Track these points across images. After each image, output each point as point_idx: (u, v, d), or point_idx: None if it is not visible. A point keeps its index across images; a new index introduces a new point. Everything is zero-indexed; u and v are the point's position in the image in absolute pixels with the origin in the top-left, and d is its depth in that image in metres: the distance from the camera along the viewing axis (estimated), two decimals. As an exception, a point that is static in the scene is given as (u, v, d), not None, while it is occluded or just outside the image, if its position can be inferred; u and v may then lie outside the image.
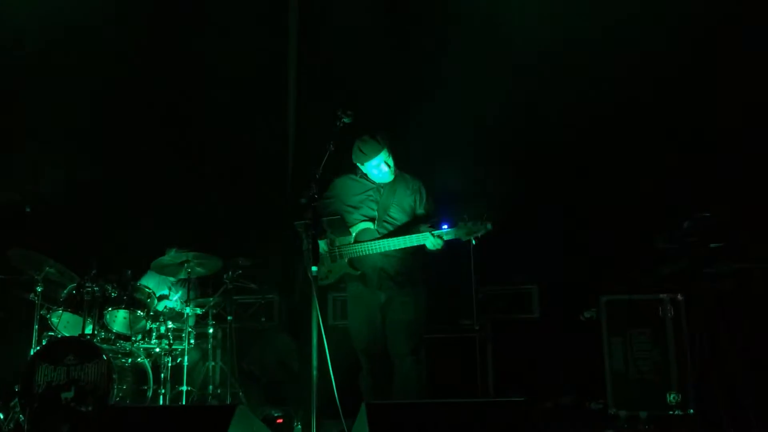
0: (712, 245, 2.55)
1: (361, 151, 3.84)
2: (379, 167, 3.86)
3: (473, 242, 3.65)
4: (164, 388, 4.53)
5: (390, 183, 3.92)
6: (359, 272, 3.83)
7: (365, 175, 3.95)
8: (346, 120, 3.48)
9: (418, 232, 3.69)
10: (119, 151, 5.82)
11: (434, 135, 5.34)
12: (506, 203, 5.31)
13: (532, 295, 5.34)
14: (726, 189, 4.15)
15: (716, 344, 3.65)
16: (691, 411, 4.60)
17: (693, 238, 2.65)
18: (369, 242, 3.77)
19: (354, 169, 3.98)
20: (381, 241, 3.75)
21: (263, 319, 5.46)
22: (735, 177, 4.51)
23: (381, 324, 3.85)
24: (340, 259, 3.86)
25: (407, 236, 3.70)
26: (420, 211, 3.97)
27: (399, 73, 5.51)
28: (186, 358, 4.67)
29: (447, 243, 3.69)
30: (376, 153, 3.82)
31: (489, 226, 3.51)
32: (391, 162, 3.88)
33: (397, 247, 3.71)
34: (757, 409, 2.67)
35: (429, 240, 3.62)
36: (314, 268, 3.20)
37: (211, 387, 4.80)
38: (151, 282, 5.01)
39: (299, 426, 4.03)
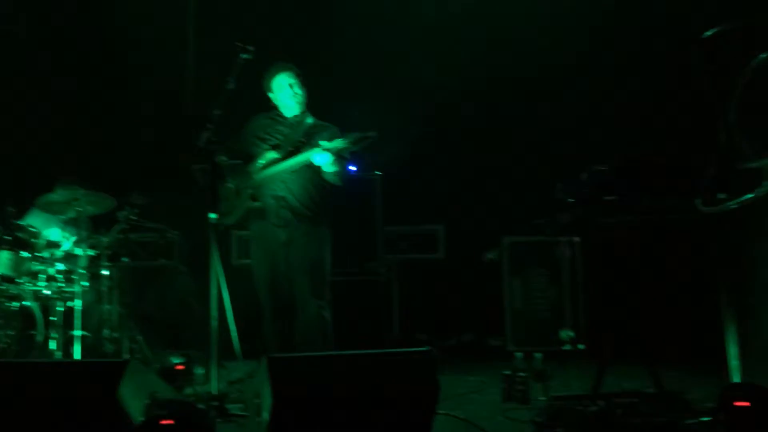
0: (606, 197, 2.61)
1: (269, 72, 3.78)
2: (286, 88, 3.75)
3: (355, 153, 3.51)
4: (56, 332, 4.32)
5: (301, 119, 3.80)
6: (260, 204, 3.71)
7: (280, 113, 3.84)
8: (245, 56, 3.29)
9: None
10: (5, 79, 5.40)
11: (340, 75, 5.24)
12: (415, 145, 5.33)
13: (438, 235, 5.40)
14: (623, 147, 4.45)
15: (607, 286, 3.86)
16: (581, 347, 4.89)
17: (590, 190, 2.71)
18: (267, 168, 3.67)
19: (270, 110, 3.87)
20: (278, 165, 3.64)
21: (162, 260, 5.25)
22: (632, 137, 4.81)
23: (284, 265, 3.71)
24: (243, 192, 3.75)
25: (298, 155, 3.60)
26: None
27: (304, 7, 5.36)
28: (78, 300, 4.44)
29: (351, 183, 3.64)
30: (283, 70, 3.76)
31: (373, 133, 3.42)
32: (300, 91, 3.77)
33: (290, 167, 3.60)
34: (640, 346, 2.86)
35: (317, 154, 3.48)
36: (212, 215, 3.06)
37: (107, 331, 4.61)
38: (36, 221, 4.69)
39: (201, 371, 3.96)
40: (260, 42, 3.41)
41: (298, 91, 3.79)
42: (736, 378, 2.29)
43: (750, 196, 2.21)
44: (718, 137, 2.33)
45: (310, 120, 3.83)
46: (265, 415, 2.37)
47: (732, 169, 2.36)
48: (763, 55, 2.30)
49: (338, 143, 3.45)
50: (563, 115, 5.34)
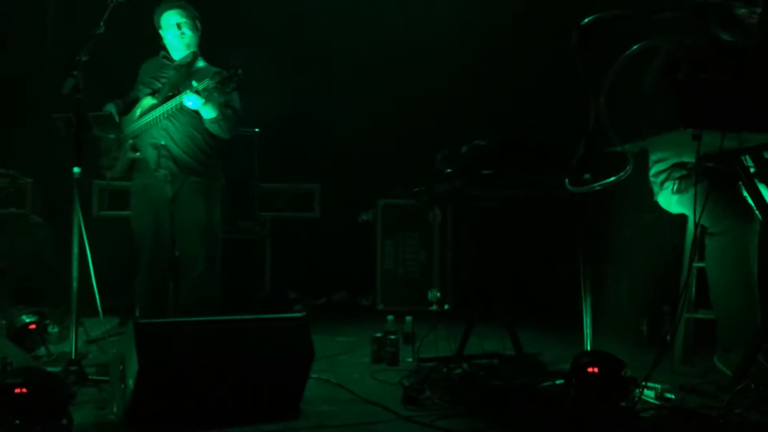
0: (484, 171, 2.70)
1: (158, 8, 3.50)
2: (173, 28, 3.48)
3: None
4: None
5: (190, 62, 3.52)
6: (141, 155, 3.45)
7: (168, 55, 3.56)
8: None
9: None
10: None
11: (227, 21, 5.00)
12: (295, 103, 5.22)
13: (314, 194, 5.37)
14: (503, 124, 4.64)
15: (476, 252, 4.03)
16: (447, 306, 5.12)
17: (469, 162, 2.79)
18: (144, 116, 3.42)
19: (159, 51, 3.60)
20: (152, 111, 3.39)
21: (12, 208, 4.81)
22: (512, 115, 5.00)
23: (168, 221, 3.46)
24: (124, 143, 3.48)
25: (170, 100, 3.36)
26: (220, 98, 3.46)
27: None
28: None
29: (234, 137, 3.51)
30: (172, 8, 3.48)
31: (240, 70, 3.29)
32: (189, 32, 3.50)
33: (164, 112, 3.35)
34: (502, 309, 3.03)
35: (187, 96, 3.26)
36: (76, 169, 2.82)
37: (-52, 284, 4.21)
38: None
39: (56, 329, 3.70)
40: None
41: (187, 32, 3.49)
42: (588, 346, 2.48)
43: (613, 179, 2.36)
44: (588, 121, 2.45)
45: (201, 64, 3.54)
46: (130, 383, 2.26)
47: (599, 151, 2.51)
48: (635, 47, 2.44)
49: (205, 83, 3.25)
50: (445, 89, 5.45)
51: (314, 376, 2.74)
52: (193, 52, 3.56)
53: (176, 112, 3.39)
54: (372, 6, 5.44)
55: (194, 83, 3.27)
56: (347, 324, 4.56)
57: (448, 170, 3.01)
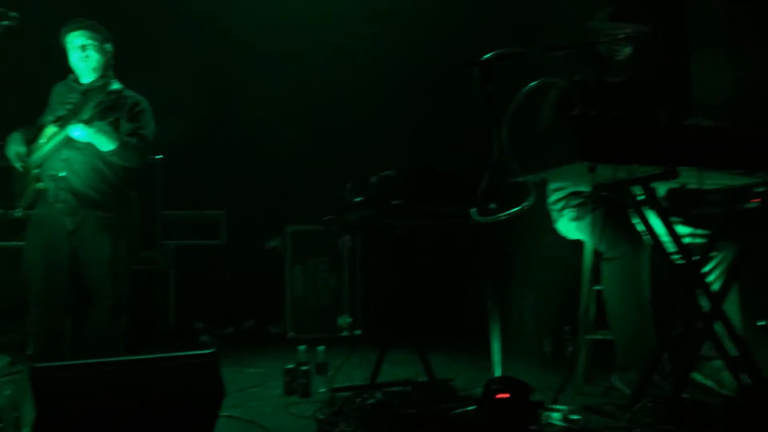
0: (393, 201, 2.75)
1: (62, 30, 3.32)
2: (77, 50, 3.28)
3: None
4: None
5: (100, 87, 3.29)
6: (42, 185, 3.23)
7: (76, 79, 3.37)
8: (5, 23, 2.82)
9: None
10: None
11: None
12: (199, 127, 5.11)
13: (220, 221, 5.26)
14: (412, 156, 4.76)
15: (387, 279, 4.07)
16: (358, 332, 5.13)
17: (378, 192, 2.83)
18: (45, 144, 3.23)
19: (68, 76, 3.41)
20: (51, 141, 3.20)
21: None
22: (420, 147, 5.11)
23: (66, 257, 3.24)
24: (30, 172, 3.26)
25: (64, 129, 3.18)
26: (126, 126, 3.31)
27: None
28: None
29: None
30: (75, 29, 3.29)
31: (124, 96, 3.17)
32: (96, 56, 3.30)
33: (54, 143, 3.18)
34: (413, 334, 3.07)
35: (72, 126, 3.10)
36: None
37: None
38: None
39: None
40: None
41: (92, 54, 3.29)
42: (498, 371, 2.55)
43: (517, 209, 2.46)
44: (491, 153, 2.54)
45: (115, 86, 3.29)
46: (26, 431, 2.12)
47: (503, 182, 2.61)
48: (533, 83, 2.57)
49: (89, 112, 3.11)
50: (354, 118, 5.52)
51: (224, 414, 2.67)
52: (103, 76, 3.35)
53: (75, 141, 3.22)
54: (279, 32, 5.43)
55: (83, 113, 3.13)
56: (257, 354, 4.46)
57: (357, 199, 3.04)
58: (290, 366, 3.32)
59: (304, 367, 3.30)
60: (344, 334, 5.04)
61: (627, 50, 3.13)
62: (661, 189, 2.89)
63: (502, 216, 2.52)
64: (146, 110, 3.43)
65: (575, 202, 3.10)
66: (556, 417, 2.44)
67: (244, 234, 5.31)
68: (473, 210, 2.55)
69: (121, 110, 3.32)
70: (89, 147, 3.24)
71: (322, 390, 3.25)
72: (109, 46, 3.40)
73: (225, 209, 5.27)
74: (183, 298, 5.13)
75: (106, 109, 3.22)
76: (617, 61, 3.15)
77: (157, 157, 4.60)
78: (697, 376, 2.79)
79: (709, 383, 2.79)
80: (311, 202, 4.93)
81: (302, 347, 3.39)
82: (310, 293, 5.20)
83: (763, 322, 3.03)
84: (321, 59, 5.46)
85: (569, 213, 3.12)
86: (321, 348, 3.41)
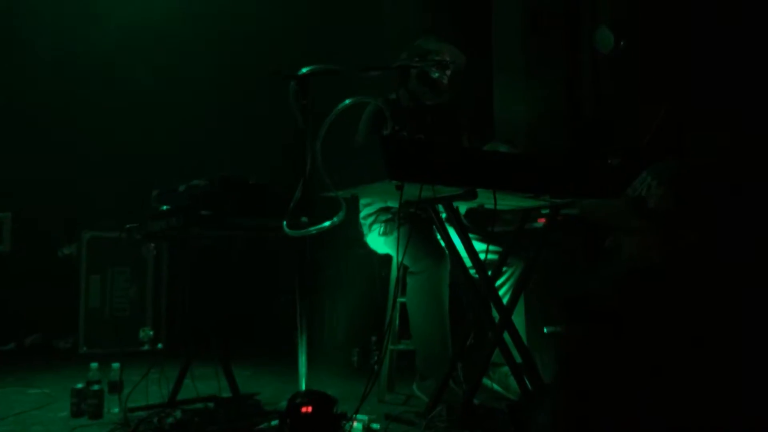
0: (202, 211, 2.65)
1: None
2: None
3: None
4: None
5: None
6: None
7: None
8: None
9: None
10: None
11: None
12: None
13: (3, 224, 4.71)
14: (222, 166, 4.66)
15: (191, 290, 3.91)
16: (160, 345, 4.86)
17: (186, 201, 2.72)
18: None
19: None
20: None
21: None
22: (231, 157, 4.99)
23: None
24: None
25: None
26: None
27: None
28: None
29: None
30: None
31: None
32: None
33: None
34: (218, 348, 2.97)
35: None
36: None
37: None
38: None
39: None
40: None
41: None
42: (303, 384, 2.55)
43: (327, 223, 2.48)
44: (304, 167, 2.55)
45: None
46: None
47: (315, 196, 2.62)
48: (347, 101, 2.62)
49: None
50: (163, 121, 5.25)
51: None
52: None
53: None
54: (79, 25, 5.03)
55: None
56: (42, 372, 4.04)
57: (164, 207, 2.89)
58: (80, 386, 3.05)
59: (96, 386, 3.04)
60: (145, 348, 4.74)
61: (448, 74, 3.30)
62: (462, 208, 3.09)
63: (313, 230, 2.53)
64: None
65: (384, 217, 3.20)
66: (357, 427, 2.49)
67: (33, 239, 4.80)
68: (284, 222, 2.54)
69: None
70: None
71: (116, 410, 3.02)
72: None
73: (10, 211, 4.72)
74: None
75: None
76: (440, 84, 3.28)
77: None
78: (488, 382, 3.02)
79: (498, 388, 3.03)
80: (111, 207, 4.61)
81: (94, 364, 3.12)
82: (107, 304, 4.83)
83: (551, 329, 3.34)
84: (134, 58, 5.14)
85: (378, 228, 3.22)
86: (116, 365, 3.16)
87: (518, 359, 2.70)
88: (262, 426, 2.65)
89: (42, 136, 4.98)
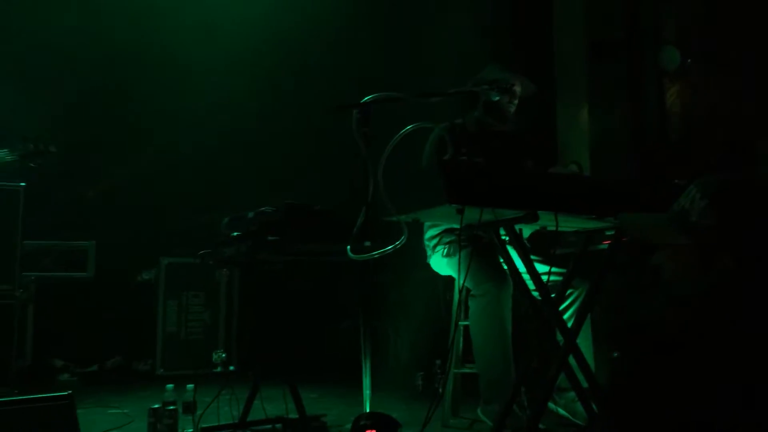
0: (270, 237, 2.75)
1: None
2: None
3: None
4: None
5: None
6: None
7: None
8: None
9: None
10: None
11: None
12: (71, 157, 4.86)
13: (88, 252, 4.99)
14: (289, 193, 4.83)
15: (261, 314, 4.03)
16: (232, 368, 5.00)
17: (255, 227, 2.83)
18: None
19: None
20: None
21: None
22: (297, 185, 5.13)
23: None
24: None
25: None
26: None
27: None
28: None
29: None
30: None
31: (53, 148, 3.01)
32: None
33: None
34: (285, 371, 3.06)
35: None
36: None
37: None
38: None
39: None
40: None
41: None
42: (367, 406, 2.58)
43: (390, 248, 2.54)
44: (367, 192, 2.62)
45: None
46: None
47: (378, 221, 2.68)
48: (410, 126, 2.68)
49: (6, 156, 2.95)
50: (230, 148, 5.45)
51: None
52: None
53: None
54: (155, 59, 5.31)
55: None
56: (122, 394, 4.23)
57: (235, 234, 3.02)
58: (156, 406, 3.18)
59: (171, 407, 3.16)
60: (218, 370, 4.90)
61: (515, 102, 3.34)
62: (526, 231, 3.09)
63: (376, 254, 2.58)
64: None
65: (448, 239, 3.23)
66: (421, 451, 2.50)
67: (115, 266, 5.06)
68: (348, 247, 2.60)
69: None
70: None
71: (189, 430, 3.14)
72: None
73: (95, 240, 5.00)
74: (43, 334, 4.79)
75: None
76: (507, 112, 3.34)
77: (20, 184, 4.31)
78: (553, 407, 2.97)
79: (564, 413, 2.98)
80: (187, 235, 4.82)
81: (170, 386, 3.25)
82: (183, 328, 5.02)
83: (619, 354, 3.27)
84: (201, 93, 5.38)
85: (441, 250, 3.25)
86: (190, 386, 3.30)
87: (584, 384, 2.66)
88: (327, 447, 2.70)
89: (117, 168, 5.28)
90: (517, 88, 3.29)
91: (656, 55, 4.55)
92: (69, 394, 2.29)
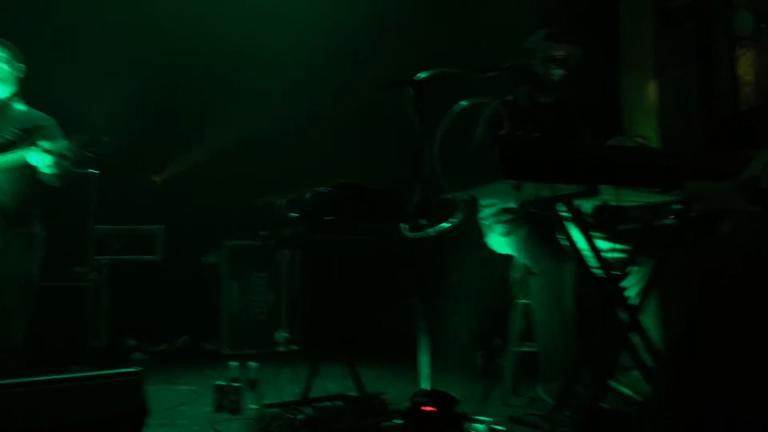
0: (326, 217, 2.77)
1: None
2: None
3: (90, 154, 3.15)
4: None
5: (7, 105, 3.28)
6: None
7: None
8: None
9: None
10: None
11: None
12: (135, 142, 5.03)
13: (156, 236, 5.17)
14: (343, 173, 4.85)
15: (321, 294, 4.09)
16: (294, 347, 5.10)
17: (312, 207, 2.85)
18: None
19: None
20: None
21: None
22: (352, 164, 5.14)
23: None
24: None
25: (10, 153, 3.14)
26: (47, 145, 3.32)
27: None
28: None
29: (68, 180, 3.28)
30: None
31: (107, 138, 3.13)
32: (5, 68, 3.25)
33: (2, 166, 3.15)
34: (346, 349, 3.10)
35: (34, 154, 3.06)
36: None
37: None
38: None
39: None
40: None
41: (4, 66, 3.25)
42: (426, 384, 2.58)
43: (446, 225, 2.52)
44: (422, 170, 2.60)
45: (20, 107, 3.31)
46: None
47: (433, 199, 2.66)
48: (464, 102, 2.64)
49: (62, 145, 3.08)
50: (290, 132, 5.51)
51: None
52: (13, 94, 3.31)
53: None
54: (220, 44, 5.40)
55: (45, 143, 3.06)
56: (189, 371, 4.39)
57: (293, 215, 3.06)
58: (221, 383, 3.28)
59: (236, 384, 3.26)
60: (281, 349, 5.00)
61: (559, 71, 3.24)
62: (587, 206, 3.00)
63: (432, 232, 2.57)
64: (59, 130, 3.39)
65: (505, 217, 3.18)
66: (480, 428, 2.49)
67: (181, 249, 5.22)
68: (404, 226, 2.60)
69: (39, 131, 3.27)
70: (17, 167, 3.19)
71: (253, 406, 3.22)
72: (16, 62, 3.33)
73: (163, 224, 5.18)
74: (116, 315, 5.01)
75: (24, 129, 3.18)
76: (550, 82, 3.25)
77: (94, 171, 4.49)
78: (616, 386, 2.90)
79: (628, 392, 2.90)
80: (248, 217, 4.92)
81: (234, 363, 3.35)
82: (246, 309, 5.14)
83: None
84: (258, 69, 5.45)
85: (499, 228, 3.20)
86: (253, 364, 3.38)
87: (649, 362, 2.58)
88: (386, 424, 2.72)
89: (183, 154, 5.42)
90: (556, 54, 3.17)
91: (728, 20, 4.31)
92: (138, 370, 2.38)
